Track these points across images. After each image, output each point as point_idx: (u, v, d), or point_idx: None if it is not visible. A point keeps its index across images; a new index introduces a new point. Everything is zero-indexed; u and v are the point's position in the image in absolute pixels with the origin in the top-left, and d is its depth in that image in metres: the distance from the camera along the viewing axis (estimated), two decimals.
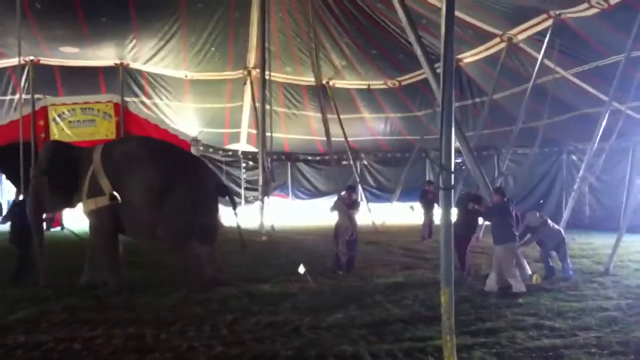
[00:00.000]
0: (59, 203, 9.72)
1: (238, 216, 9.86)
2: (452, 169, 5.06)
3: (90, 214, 9.16)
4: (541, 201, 19.78)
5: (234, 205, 10.11)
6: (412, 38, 6.37)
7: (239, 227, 9.87)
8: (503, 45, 16.14)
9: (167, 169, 9.08)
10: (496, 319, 7.13)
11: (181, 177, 9.06)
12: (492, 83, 16.91)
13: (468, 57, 18.04)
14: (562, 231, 10.24)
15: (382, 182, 23.53)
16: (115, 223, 9.04)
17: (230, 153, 21.25)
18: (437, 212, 10.97)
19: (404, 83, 21.51)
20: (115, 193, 8.80)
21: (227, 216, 19.26)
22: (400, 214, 20.59)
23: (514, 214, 9.29)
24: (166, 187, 8.85)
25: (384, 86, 21.89)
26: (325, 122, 16.00)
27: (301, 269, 9.92)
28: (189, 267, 9.16)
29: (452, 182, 5.06)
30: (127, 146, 9.73)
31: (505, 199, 9.34)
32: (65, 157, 9.41)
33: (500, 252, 8.87)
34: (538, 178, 20.18)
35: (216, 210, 9.63)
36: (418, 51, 6.30)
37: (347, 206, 10.84)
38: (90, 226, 9.32)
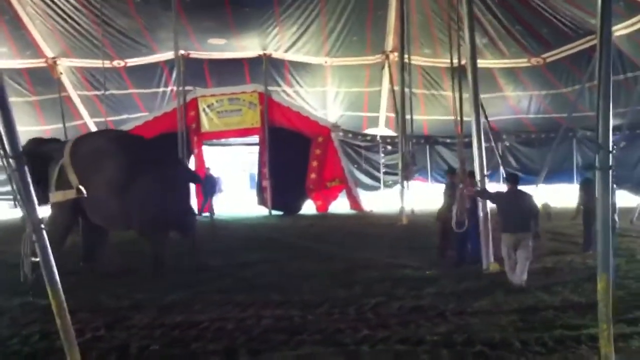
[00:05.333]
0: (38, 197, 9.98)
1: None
2: (610, 148, 4.78)
3: (54, 205, 9.50)
4: None
5: (208, 194, 10.70)
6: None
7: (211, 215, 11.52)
8: None
9: (132, 160, 9.26)
10: None
11: (147, 168, 9.23)
12: None
13: (619, 30, 16.83)
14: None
15: (526, 163, 22.51)
16: (75, 216, 9.49)
17: (369, 138, 21.31)
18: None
19: (549, 60, 20.65)
20: (81, 187, 8.99)
21: (368, 201, 19.49)
22: (545, 196, 19.72)
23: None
24: (131, 178, 9.06)
25: (528, 64, 21.03)
26: (458, 102, 15.48)
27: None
28: (153, 254, 9.34)
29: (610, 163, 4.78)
30: (95, 140, 10.02)
31: (517, 188, 8.44)
32: (40, 151, 9.69)
33: (508, 240, 8.10)
34: None
35: (186, 199, 10.18)
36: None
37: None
38: (49, 215, 9.55)
